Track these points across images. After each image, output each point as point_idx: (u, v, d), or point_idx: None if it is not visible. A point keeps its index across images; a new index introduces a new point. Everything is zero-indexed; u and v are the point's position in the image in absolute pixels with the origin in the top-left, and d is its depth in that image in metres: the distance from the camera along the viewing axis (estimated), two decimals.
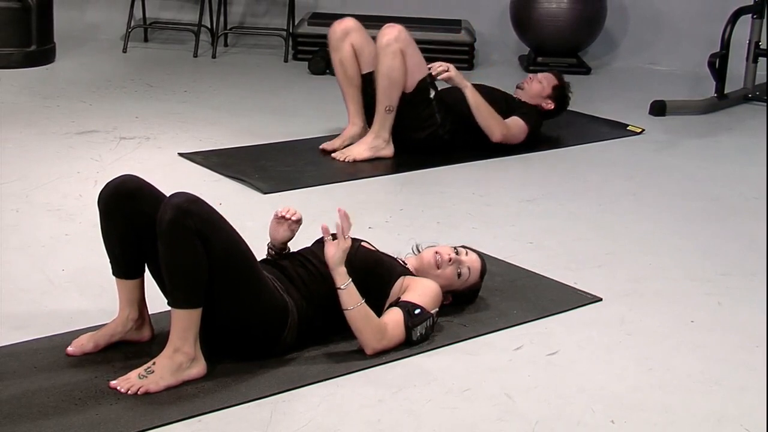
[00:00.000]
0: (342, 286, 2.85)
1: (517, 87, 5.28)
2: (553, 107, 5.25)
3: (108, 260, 2.88)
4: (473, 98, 4.95)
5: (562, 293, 3.42)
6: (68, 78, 6.45)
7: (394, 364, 2.86)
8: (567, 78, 5.39)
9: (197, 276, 2.65)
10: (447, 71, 4.90)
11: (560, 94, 5.25)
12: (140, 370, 2.67)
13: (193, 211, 2.64)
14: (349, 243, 2.88)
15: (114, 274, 2.88)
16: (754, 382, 2.87)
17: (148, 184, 2.86)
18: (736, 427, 2.63)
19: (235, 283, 2.72)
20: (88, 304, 3.19)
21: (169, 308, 2.71)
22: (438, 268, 3.12)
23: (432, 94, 4.93)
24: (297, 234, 3.05)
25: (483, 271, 3.23)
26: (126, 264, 2.86)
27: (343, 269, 2.86)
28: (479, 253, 3.28)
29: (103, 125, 5.26)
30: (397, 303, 2.95)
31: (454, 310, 3.17)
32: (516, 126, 5.06)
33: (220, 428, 2.53)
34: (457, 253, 3.17)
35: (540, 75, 5.31)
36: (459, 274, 3.14)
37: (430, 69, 4.89)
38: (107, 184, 2.85)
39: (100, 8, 7.89)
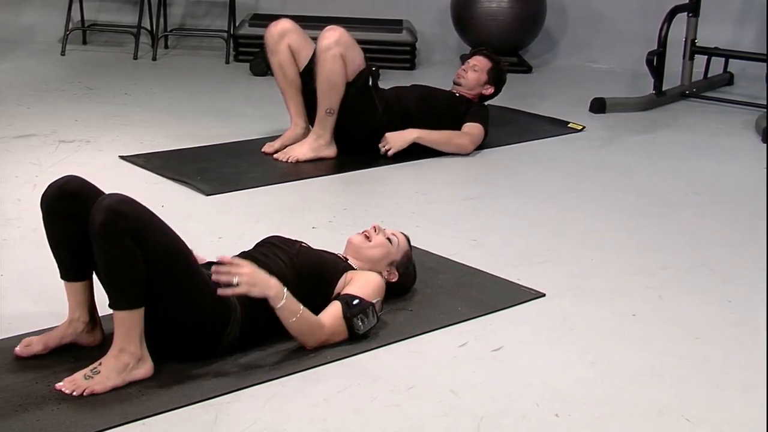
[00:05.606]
0: (279, 305, 2.79)
1: (455, 83, 5.27)
2: (493, 91, 5.28)
3: (49, 264, 2.84)
4: (427, 138, 4.99)
5: (505, 289, 3.44)
6: (4, 81, 6.36)
7: (339, 363, 2.86)
8: (508, 77, 5.41)
9: (134, 277, 2.62)
10: (389, 148, 4.90)
11: (496, 75, 5.26)
12: (86, 370, 2.65)
13: (124, 212, 2.62)
14: (239, 261, 2.79)
15: (61, 277, 2.84)
16: (695, 373, 2.91)
17: (90, 183, 2.82)
18: (678, 417, 2.67)
19: (173, 281, 2.70)
20: (28, 309, 3.14)
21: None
22: (369, 240, 3.21)
23: (371, 82, 4.93)
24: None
25: (408, 238, 3.32)
26: (73, 266, 2.82)
27: (272, 288, 2.78)
28: None
29: (41, 129, 5.20)
30: (336, 297, 2.98)
31: (398, 308, 3.18)
32: (476, 131, 5.10)
33: (165, 431, 2.51)
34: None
35: (472, 61, 5.28)
36: (389, 240, 3.23)
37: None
38: (50, 185, 2.81)
39: (36, 10, 7.79)
